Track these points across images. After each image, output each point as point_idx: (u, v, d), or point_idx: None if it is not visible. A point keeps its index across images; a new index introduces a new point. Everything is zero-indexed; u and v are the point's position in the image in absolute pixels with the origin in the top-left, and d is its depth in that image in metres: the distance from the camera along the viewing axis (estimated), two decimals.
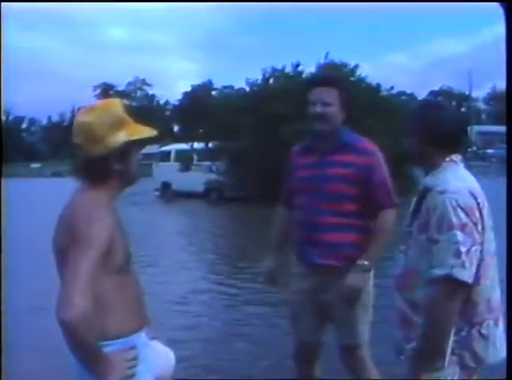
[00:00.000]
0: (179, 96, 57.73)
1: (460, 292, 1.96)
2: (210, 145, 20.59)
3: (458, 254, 1.92)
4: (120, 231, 1.93)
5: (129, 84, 68.26)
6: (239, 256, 9.93)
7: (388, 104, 18.16)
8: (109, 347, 1.84)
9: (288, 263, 3.15)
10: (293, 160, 3.14)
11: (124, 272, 1.93)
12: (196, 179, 20.40)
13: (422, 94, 61.82)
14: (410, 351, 2.10)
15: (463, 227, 1.93)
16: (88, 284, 1.67)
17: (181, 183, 21.33)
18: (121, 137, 1.89)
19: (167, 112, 67.28)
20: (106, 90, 65.64)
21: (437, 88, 72.46)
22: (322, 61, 19.41)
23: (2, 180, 15.97)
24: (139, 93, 69.31)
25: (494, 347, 2.07)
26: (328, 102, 2.89)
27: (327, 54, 19.30)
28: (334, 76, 3.03)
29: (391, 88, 20.19)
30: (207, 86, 48.06)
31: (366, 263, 2.85)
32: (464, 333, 2.02)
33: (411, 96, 26.78)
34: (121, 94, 67.38)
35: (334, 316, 3.01)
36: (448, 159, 2.11)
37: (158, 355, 2.15)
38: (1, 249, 6.85)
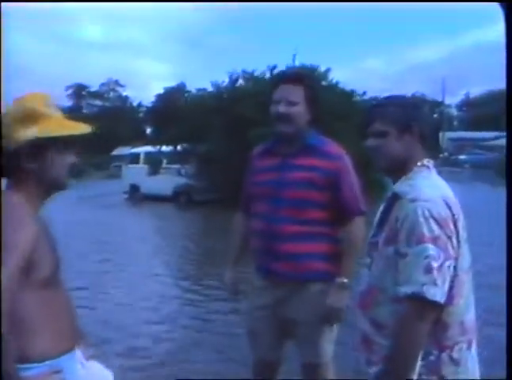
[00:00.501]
0: (152, 98, 57.19)
1: (431, 312, 1.74)
2: (179, 148, 20.33)
3: (429, 270, 1.71)
4: (46, 241, 1.72)
5: (102, 85, 67.45)
6: (209, 260, 9.72)
7: (361, 110, 18.11)
8: (31, 371, 1.63)
9: (250, 273, 2.93)
10: (253, 163, 2.92)
11: (50, 286, 1.73)
12: (165, 182, 20.16)
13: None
14: (372, 375, 1.89)
15: (435, 240, 1.73)
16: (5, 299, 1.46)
17: (149, 186, 21.04)
18: (31, 132, 1.68)
19: (140, 114, 66.62)
20: (78, 91, 64.78)
21: (409, 94, 73.26)
22: (290, 64, 19.35)
23: None
24: (112, 94, 68.55)
25: (466, 372, 1.85)
26: (293, 101, 2.66)
27: (294, 56, 19.21)
28: (301, 73, 2.82)
29: (364, 93, 20.13)
30: (180, 88, 47.64)
31: (345, 280, 2.65)
32: (432, 357, 1.81)
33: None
34: (94, 95, 66.63)
35: (296, 332, 2.80)
36: (419, 164, 1.92)
37: (92, 377, 1.92)
38: None
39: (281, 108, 2.66)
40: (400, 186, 1.90)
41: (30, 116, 1.70)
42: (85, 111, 64.42)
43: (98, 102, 67.28)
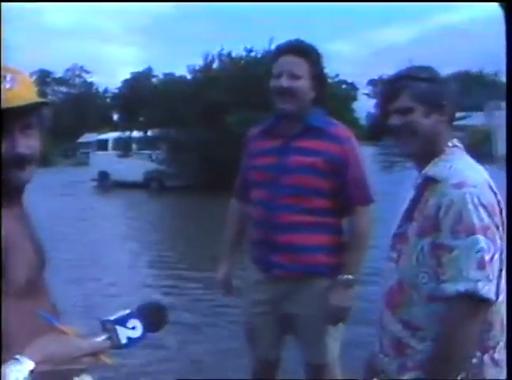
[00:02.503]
0: (119, 84, 56.25)
1: (484, 311, 1.55)
2: (149, 133, 19.90)
3: (482, 264, 1.51)
4: (20, 241, 1.42)
5: (67, 70, 66.04)
6: (181, 245, 9.50)
7: (333, 93, 18.01)
8: None
9: (245, 267, 2.67)
10: (250, 145, 2.65)
11: (29, 294, 1.43)
12: (135, 168, 19.77)
13: (362, 83, 62.91)
14: None
15: (486, 230, 1.52)
16: None
17: (119, 172, 20.60)
18: None
19: (107, 100, 65.54)
20: (43, 76, 63.24)
21: (376, 77, 73.86)
22: (266, 47, 19.06)
23: None
24: (77, 80, 67.14)
25: (504, 373, 1.65)
26: (296, 74, 2.38)
27: (272, 39, 18.95)
28: (305, 44, 2.52)
29: (336, 76, 19.97)
30: (147, 73, 46.96)
31: (351, 277, 2.41)
32: (475, 360, 1.61)
33: (351, 85, 26.93)
34: (59, 81, 65.22)
35: (297, 330, 2.56)
36: (451, 144, 1.70)
37: None
38: None
39: (284, 82, 2.38)
40: (435, 169, 1.67)
41: None
42: (50, 97, 63.11)
43: (63, 88, 65.95)
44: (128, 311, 1.25)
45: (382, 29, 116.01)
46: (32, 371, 1.08)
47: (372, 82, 72.82)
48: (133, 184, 19.89)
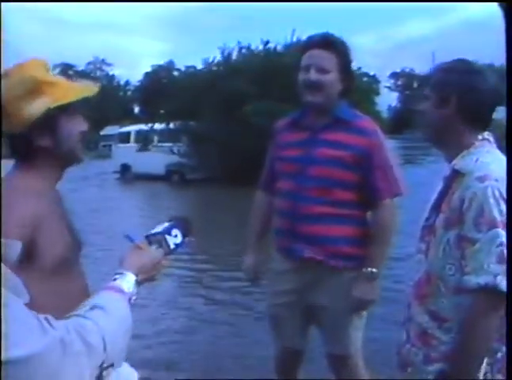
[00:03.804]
0: (140, 77, 56.60)
1: (503, 305, 1.55)
2: (171, 126, 19.97)
3: (502, 258, 1.52)
4: (56, 222, 1.50)
5: (89, 63, 66.54)
6: (203, 238, 9.51)
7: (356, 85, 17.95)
8: None
9: (271, 258, 2.71)
10: (277, 136, 2.67)
11: (61, 273, 1.49)
12: (156, 160, 19.79)
13: (384, 76, 62.36)
14: (432, 374, 1.69)
15: (506, 224, 1.53)
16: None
17: (141, 165, 20.69)
18: (40, 104, 1.44)
19: (128, 93, 65.94)
20: (65, 70, 63.79)
21: (398, 69, 73.14)
22: (288, 40, 19.04)
23: None
24: (99, 73, 67.64)
25: None
26: (325, 68, 2.41)
27: (294, 31, 18.90)
28: (333, 38, 2.54)
29: (359, 68, 19.85)
30: (169, 66, 47.09)
31: (374, 270, 2.43)
32: (500, 355, 1.62)
33: (373, 77, 26.66)
34: (81, 74, 65.71)
35: (321, 320, 2.60)
36: (480, 137, 1.71)
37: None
38: None
39: (312, 76, 2.41)
40: (462, 162, 1.69)
41: (36, 87, 1.45)
42: None
43: (85, 81, 66.37)
44: (167, 224, 1.53)
45: (404, 22, 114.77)
46: (136, 280, 1.34)
47: (393, 75, 72.35)
48: (155, 176, 19.97)
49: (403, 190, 2.52)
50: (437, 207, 1.73)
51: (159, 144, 20.69)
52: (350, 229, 2.48)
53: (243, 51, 20.04)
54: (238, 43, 20.10)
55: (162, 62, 52.24)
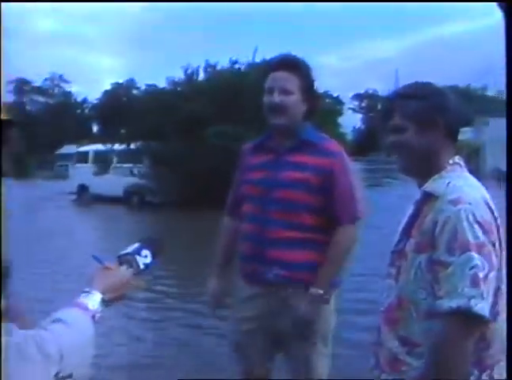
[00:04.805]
0: (99, 95, 56.15)
1: (477, 329, 1.57)
2: (131, 146, 19.86)
3: (476, 282, 1.53)
4: None
5: (46, 80, 65.68)
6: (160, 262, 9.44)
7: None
8: None
9: (236, 284, 2.71)
10: (243, 159, 2.71)
11: None
12: (115, 182, 19.67)
13: (347, 97, 63.38)
14: None
15: (480, 248, 1.55)
16: None
17: (99, 186, 20.49)
18: None
19: (86, 111, 65.30)
20: (20, 86, 62.86)
21: (362, 91, 74.46)
22: (250, 59, 19.22)
23: None
24: (56, 89, 66.86)
25: None
26: (288, 90, 2.46)
27: (256, 50, 19.09)
28: (296, 59, 2.60)
29: (322, 90, 20.13)
30: (129, 84, 46.92)
31: (321, 291, 2.44)
32: (473, 378, 1.63)
33: (336, 98, 27.06)
34: (37, 90, 64.80)
35: (284, 346, 2.59)
36: (451, 161, 1.74)
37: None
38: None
39: (276, 98, 2.46)
40: (434, 185, 1.71)
41: None
42: (28, 107, 62.67)
43: (42, 98, 65.58)
44: (137, 244, 1.60)
45: (368, 41, 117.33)
46: (103, 299, 1.41)
47: (358, 96, 73.61)
48: (113, 198, 19.77)
49: (364, 214, 2.56)
50: (407, 232, 1.74)
51: (118, 165, 20.55)
52: (315, 254, 2.49)
53: (208, 69, 20.17)
54: (206, 61, 20.20)
55: (121, 81, 51.99)
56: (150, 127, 18.26)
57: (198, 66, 20.09)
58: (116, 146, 20.49)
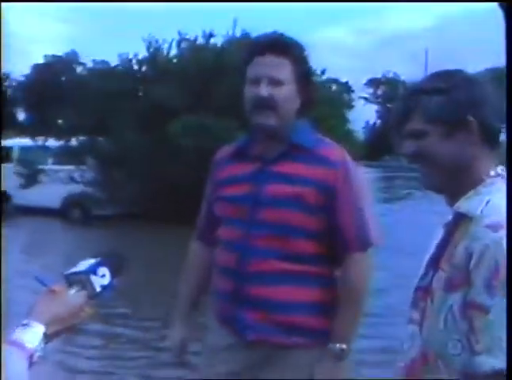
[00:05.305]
0: (27, 70, 55.32)
1: None
2: (72, 142, 19.76)
3: None
4: None
5: None
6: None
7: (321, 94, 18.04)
8: None
9: (208, 329, 2.76)
10: (217, 170, 2.76)
11: None
12: (50, 189, 19.45)
13: (359, 83, 62.82)
14: None
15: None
16: None
17: (27, 194, 20.31)
18: None
19: (8, 91, 64.59)
20: None
21: (379, 74, 73.72)
22: (230, 32, 19.23)
23: None
24: None
25: None
26: (278, 79, 2.49)
27: (235, 22, 19.09)
28: (287, 39, 2.61)
29: (323, 72, 20.03)
30: (70, 58, 46.43)
31: (344, 346, 2.50)
32: None
33: (345, 85, 26.94)
34: None
35: None
36: (492, 173, 1.76)
37: None
38: None
39: (263, 91, 2.49)
40: (468, 204, 1.73)
41: None
42: None
43: None
44: (92, 260, 1.62)
45: (388, 12, 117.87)
46: (45, 333, 1.43)
47: (372, 82, 73.26)
48: (47, 210, 19.62)
49: (379, 238, 2.60)
50: (434, 263, 1.76)
51: (55, 167, 20.42)
52: (313, 292, 2.55)
53: (178, 43, 20.02)
54: (179, 33, 19.94)
55: (60, 53, 51.36)
56: (97, 116, 18.24)
57: (164, 40, 19.98)
58: (51, 142, 20.37)
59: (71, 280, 1.58)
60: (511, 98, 1.79)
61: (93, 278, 1.59)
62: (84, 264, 1.61)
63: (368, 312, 2.66)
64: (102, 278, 1.60)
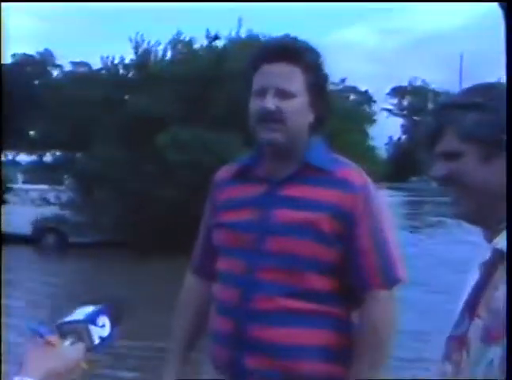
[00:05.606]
0: None
1: None
2: (46, 158, 19.85)
3: None
4: None
5: None
6: None
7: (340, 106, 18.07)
8: None
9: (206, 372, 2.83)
10: (217, 192, 2.80)
11: None
12: (20, 212, 19.53)
13: (382, 93, 62.60)
14: None
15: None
16: None
17: None
18: None
19: None
20: None
21: (405, 83, 73.53)
22: (234, 33, 19.50)
23: None
24: None
25: None
26: (288, 91, 2.53)
27: (240, 21, 19.28)
28: (298, 45, 2.63)
29: (342, 81, 20.27)
30: (45, 59, 46.61)
31: None
32: None
33: (365, 94, 27.06)
34: None
35: None
36: None
37: None
38: None
39: (270, 103, 2.51)
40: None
41: None
42: None
43: None
44: (91, 308, 1.62)
45: (414, 10, 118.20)
46: None
47: (397, 91, 72.94)
48: (15, 236, 19.63)
49: (405, 275, 2.60)
50: (471, 308, 1.75)
51: (25, 186, 20.49)
52: (325, 335, 2.56)
53: (173, 45, 20.27)
54: (178, 33, 20.22)
55: (32, 52, 51.55)
56: (75, 128, 18.35)
57: (157, 41, 20.23)
58: (22, 157, 20.47)
59: (65, 330, 1.56)
60: (511, 98, 1.77)
61: (92, 328, 1.58)
62: (81, 313, 1.59)
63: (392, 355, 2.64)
64: (102, 328, 1.60)
